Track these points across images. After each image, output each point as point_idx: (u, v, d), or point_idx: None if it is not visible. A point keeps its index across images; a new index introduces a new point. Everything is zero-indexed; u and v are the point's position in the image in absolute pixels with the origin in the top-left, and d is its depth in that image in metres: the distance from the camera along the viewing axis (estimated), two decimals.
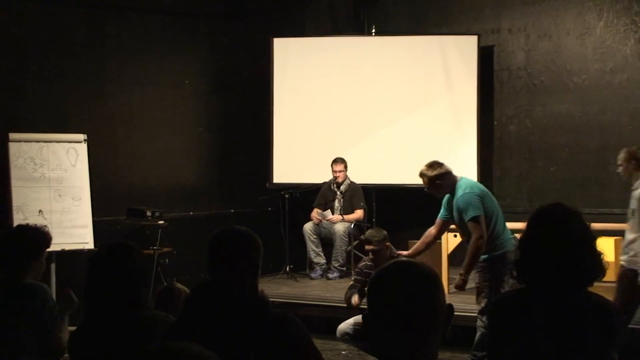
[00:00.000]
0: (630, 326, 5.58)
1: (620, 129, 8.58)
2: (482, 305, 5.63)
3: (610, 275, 7.42)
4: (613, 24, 8.59)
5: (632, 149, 6.27)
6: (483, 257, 5.64)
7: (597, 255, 2.65)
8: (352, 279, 6.42)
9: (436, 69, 9.03)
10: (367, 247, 6.12)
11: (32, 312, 3.70)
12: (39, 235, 3.89)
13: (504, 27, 9.20)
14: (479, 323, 5.67)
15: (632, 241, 5.83)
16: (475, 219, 5.58)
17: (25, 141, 7.43)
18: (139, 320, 2.94)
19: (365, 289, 6.20)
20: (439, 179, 5.73)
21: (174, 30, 9.11)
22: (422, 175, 5.80)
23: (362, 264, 6.32)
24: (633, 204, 5.76)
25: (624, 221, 7.95)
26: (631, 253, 5.80)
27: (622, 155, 6.46)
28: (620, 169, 6.41)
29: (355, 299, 6.13)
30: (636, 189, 6.00)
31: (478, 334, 5.67)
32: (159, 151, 8.95)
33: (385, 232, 6.17)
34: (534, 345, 2.60)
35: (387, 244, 6.12)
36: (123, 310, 2.93)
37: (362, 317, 1.97)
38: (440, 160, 5.84)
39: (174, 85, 9.12)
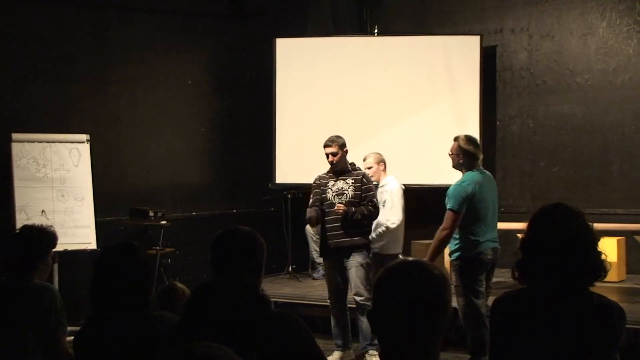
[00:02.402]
0: (631, 326, 5.58)
1: (623, 129, 8.58)
2: (461, 304, 5.70)
3: (612, 276, 7.45)
4: (616, 24, 8.59)
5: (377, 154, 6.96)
6: (457, 254, 5.73)
7: (599, 256, 2.65)
8: (311, 195, 6.63)
9: (439, 69, 9.03)
10: (325, 150, 6.36)
11: (39, 313, 3.70)
12: (45, 236, 3.90)
13: (507, 27, 9.21)
14: (465, 325, 5.71)
15: (375, 227, 6.70)
16: (451, 211, 5.67)
17: (28, 141, 7.44)
18: (145, 320, 2.95)
19: (324, 202, 6.33)
20: (464, 153, 5.81)
21: (177, 31, 9.12)
22: (456, 139, 5.90)
23: (317, 177, 6.57)
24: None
25: (626, 221, 7.99)
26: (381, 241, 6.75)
27: (370, 160, 6.89)
28: (370, 171, 6.78)
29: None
30: (382, 185, 6.88)
31: (469, 336, 5.71)
32: (162, 151, 8.95)
33: (343, 139, 6.44)
34: (536, 346, 2.60)
35: (345, 149, 6.41)
36: (129, 310, 2.94)
37: (367, 315, 1.98)
38: (479, 145, 5.97)
39: (177, 86, 9.13)
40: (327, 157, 6.38)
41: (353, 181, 6.36)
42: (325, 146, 6.38)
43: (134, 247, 3.05)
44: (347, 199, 6.31)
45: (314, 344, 2.73)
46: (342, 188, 6.36)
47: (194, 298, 2.67)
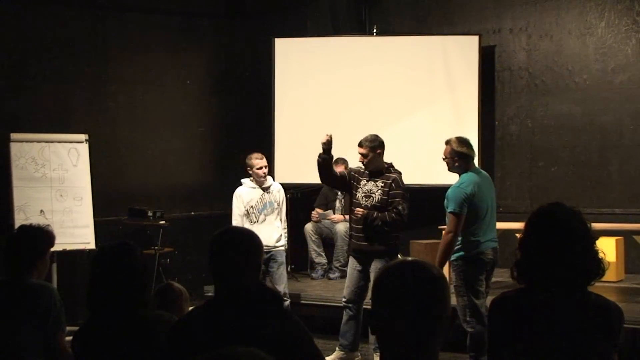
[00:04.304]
0: (630, 326, 5.59)
1: (622, 129, 8.58)
2: (462, 304, 5.70)
3: (611, 275, 7.45)
4: (614, 24, 8.59)
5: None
6: (457, 254, 5.70)
7: (597, 255, 2.66)
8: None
9: (437, 69, 9.03)
10: (358, 150, 6.28)
11: (38, 312, 3.70)
12: (43, 235, 3.91)
13: (505, 27, 9.20)
14: (465, 325, 5.72)
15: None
16: (453, 214, 5.66)
17: (27, 141, 7.44)
18: (143, 320, 2.95)
19: (353, 200, 6.31)
20: (458, 156, 5.80)
21: (176, 31, 9.12)
22: (448, 142, 5.86)
23: (354, 168, 6.57)
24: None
25: (625, 221, 7.99)
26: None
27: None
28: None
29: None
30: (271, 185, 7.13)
31: (469, 335, 5.72)
32: (161, 151, 8.96)
33: (381, 140, 6.30)
34: (534, 345, 2.60)
35: (379, 151, 6.26)
36: (126, 310, 2.95)
37: (367, 315, 1.98)
38: (472, 145, 5.94)
39: (176, 86, 9.13)
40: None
41: (382, 184, 6.20)
42: (358, 145, 6.29)
43: (129, 247, 3.06)
44: (374, 202, 6.18)
45: (312, 344, 2.74)
46: (370, 190, 6.23)
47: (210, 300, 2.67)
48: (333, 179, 6.42)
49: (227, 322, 2.53)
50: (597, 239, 2.68)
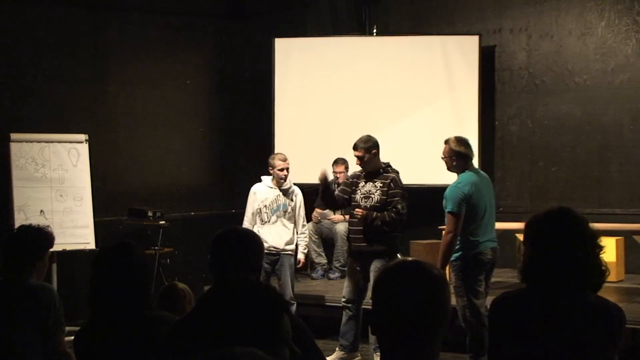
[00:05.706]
0: (630, 326, 5.59)
1: (622, 129, 8.58)
2: (461, 304, 5.71)
3: (611, 276, 7.43)
4: (615, 24, 8.58)
5: None
6: (457, 255, 5.72)
7: (600, 260, 2.66)
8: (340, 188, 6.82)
9: (437, 69, 9.03)
10: (354, 153, 6.29)
11: (37, 313, 3.70)
12: (42, 235, 3.91)
13: (506, 27, 9.20)
14: (465, 325, 5.72)
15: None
16: (451, 214, 5.67)
17: (27, 141, 7.44)
18: (145, 320, 2.95)
19: (352, 203, 6.34)
20: (456, 155, 5.81)
21: (176, 31, 9.13)
22: (447, 142, 5.89)
23: (351, 174, 6.67)
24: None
25: (625, 221, 7.99)
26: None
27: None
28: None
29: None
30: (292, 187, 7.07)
31: (469, 335, 5.72)
32: (161, 151, 8.96)
33: (374, 140, 6.29)
34: (534, 346, 2.60)
35: (374, 151, 6.26)
36: (128, 310, 2.94)
37: (367, 315, 1.98)
38: (470, 144, 5.95)
39: (176, 86, 9.13)
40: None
41: (381, 185, 6.21)
42: (353, 148, 6.29)
43: (131, 247, 3.06)
44: (372, 202, 6.19)
45: (314, 343, 2.74)
46: (369, 191, 6.24)
47: (209, 298, 2.66)
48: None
49: (226, 322, 2.53)
50: (602, 246, 2.69)
